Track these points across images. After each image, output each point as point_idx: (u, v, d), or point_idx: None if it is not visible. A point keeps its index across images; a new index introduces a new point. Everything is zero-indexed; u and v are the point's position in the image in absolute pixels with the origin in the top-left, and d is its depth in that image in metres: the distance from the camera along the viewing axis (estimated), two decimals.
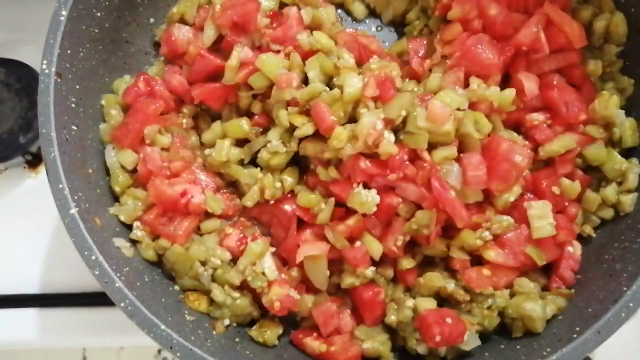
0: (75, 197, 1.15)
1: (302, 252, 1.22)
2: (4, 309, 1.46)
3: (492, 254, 1.20)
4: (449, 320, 1.17)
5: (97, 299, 1.42)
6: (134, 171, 1.31)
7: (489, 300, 1.22)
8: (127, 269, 1.18)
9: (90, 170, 1.26)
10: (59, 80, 1.19)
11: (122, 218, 1.26)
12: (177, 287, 1.27)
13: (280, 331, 1.27)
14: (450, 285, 1.22)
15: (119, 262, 1.17)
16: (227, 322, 1.24)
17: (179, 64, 1.39)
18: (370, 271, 1.22)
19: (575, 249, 1.26)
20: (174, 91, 1.35)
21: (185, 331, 1.13)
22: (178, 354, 1.08)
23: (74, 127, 1.24)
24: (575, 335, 1.08)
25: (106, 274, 1.11)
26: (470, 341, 1.18)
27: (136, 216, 1.27)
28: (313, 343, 1.23)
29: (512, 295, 1.23)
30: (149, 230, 1.26)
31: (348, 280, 1.23)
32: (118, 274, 1.12)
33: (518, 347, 1.19)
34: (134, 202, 1.27)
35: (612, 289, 1.13)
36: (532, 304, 1.17)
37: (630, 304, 1.08)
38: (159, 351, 1.52)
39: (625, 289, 1.10)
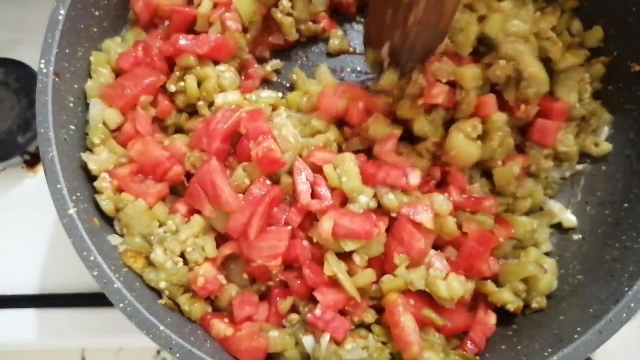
0: (74, 198, 1.14)
1: (223, 251, 1.22)
2: (2, 310, 1.45)
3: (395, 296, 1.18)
4: (337, 313, 1.18)
5: (96, 300, 1.41)
6: (113, 132, 1.29)
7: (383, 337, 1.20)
8: (126, 269, 1.17)
9: (89, 170, 1.26)
10: (57, 79, 1.19)
11: (91, 166, 1.23)
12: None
13: (209, 309, 1.23)
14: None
15: (117, 263, 1.16)
16: (163, 285, 1.19)
17: (156, 25, 1.40)
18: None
19: (489, 317, 1.23)
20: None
21: (185, 332, 1.12)
22: (177, 355, 1.07)
23: (73, 127, 1.23)
24: (576, 336, 1.07)
25: (105, 275, 1.10)
26: (353, 352, 1.16)
27: (105, 169, 1.25)
28: (220, 325, 1.18)
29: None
30: (116, 185, 1.24)
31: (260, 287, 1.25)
32: (117, 275, 1.11)
33: (519, 347, 1.18)
34: (109, 155, 1.25)
35: (614, 290, 1.13)
36: (431, 354, 1.16)
37: (632, 305, 1.08)
38: (159, 352, 1.52)
39: (626, 289, 1.10)
